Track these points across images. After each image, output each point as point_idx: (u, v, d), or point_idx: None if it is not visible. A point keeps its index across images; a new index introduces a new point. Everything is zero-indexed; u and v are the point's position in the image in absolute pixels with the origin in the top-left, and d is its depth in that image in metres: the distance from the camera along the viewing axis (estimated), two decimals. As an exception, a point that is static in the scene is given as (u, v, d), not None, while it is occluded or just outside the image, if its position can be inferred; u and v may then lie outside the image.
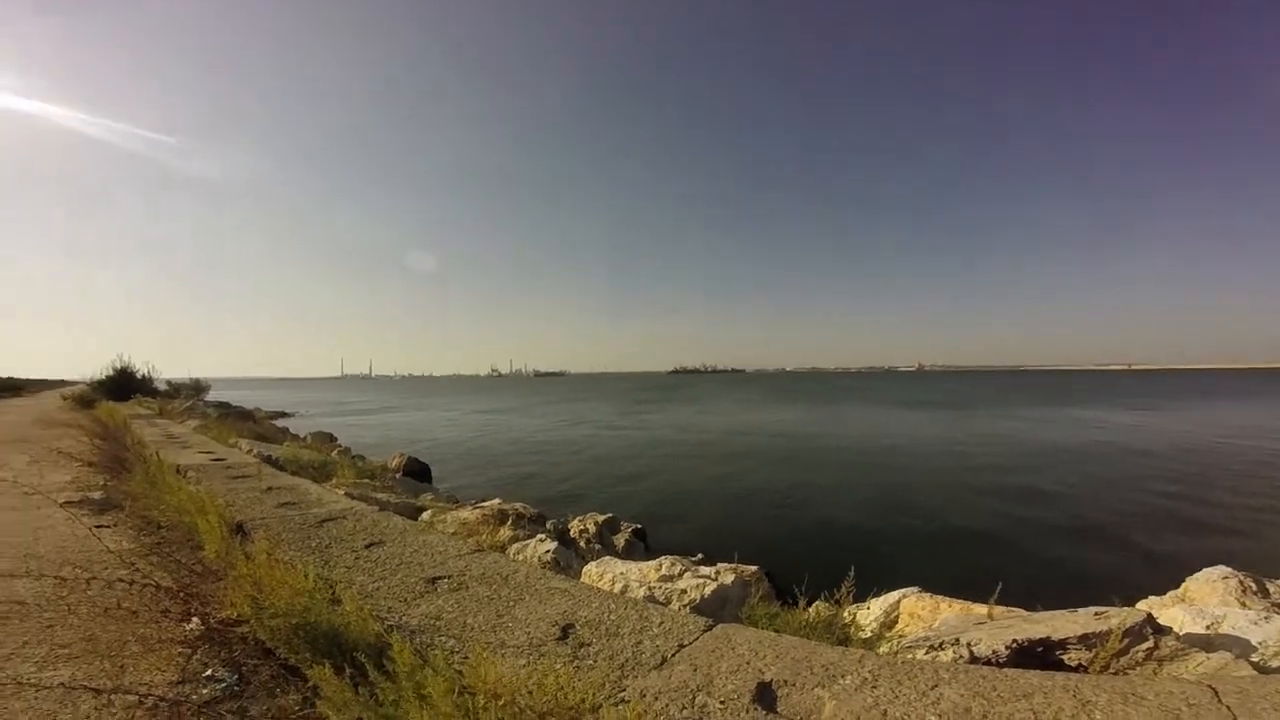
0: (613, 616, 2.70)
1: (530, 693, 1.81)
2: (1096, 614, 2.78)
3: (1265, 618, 3.51)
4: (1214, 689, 1.94)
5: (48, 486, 6.74)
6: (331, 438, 20.32)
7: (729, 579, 4.21)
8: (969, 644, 2.69)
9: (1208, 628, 3.43)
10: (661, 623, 2.63)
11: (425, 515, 6.24)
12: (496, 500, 8.36)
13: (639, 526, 9.13)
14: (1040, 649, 2.68)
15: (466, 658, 2.26)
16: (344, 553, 3.81)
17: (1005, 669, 2.30)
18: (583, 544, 7.47)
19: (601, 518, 8.66)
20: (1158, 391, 64.89)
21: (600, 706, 1.92)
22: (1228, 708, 1.82)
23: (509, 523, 6.08)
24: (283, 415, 38.38)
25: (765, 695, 2.08)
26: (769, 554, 7.96)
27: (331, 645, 2.28)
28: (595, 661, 2.31)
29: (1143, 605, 4.55)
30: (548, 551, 4.86)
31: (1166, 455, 18.72)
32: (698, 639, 2.48)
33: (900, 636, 3.34)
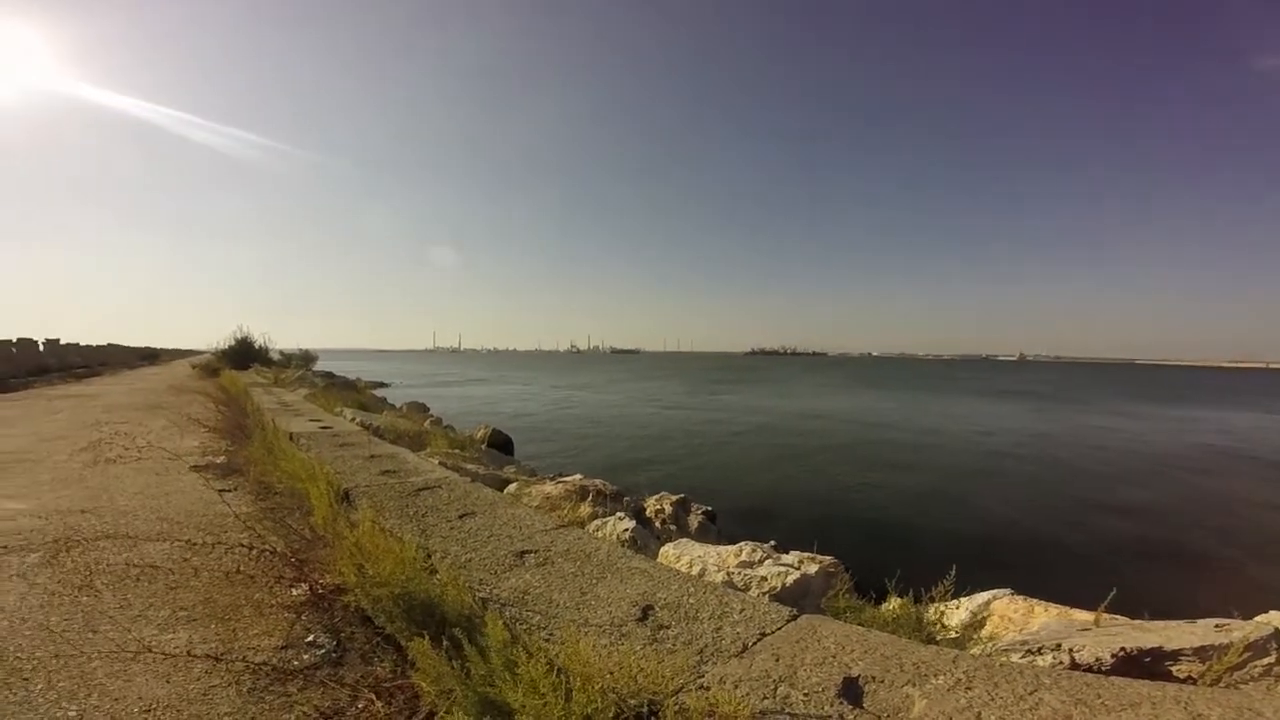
0: (691, 600, 2.72)
1: (613, 674, 1.86)
2: (1217, 626, 2.56)
3: None
4: None
5: (181, 450, 7.52)
6: (424, 408, 21.46)
7: (812, 569, 4.15)
8: (1070, 650, 2.55)
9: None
10: (742, 609, 2.61)
11: (511, 488, 6.48)
12: (578, 476, 8.55)
13: (710, 509, 9.10)
14: (1149, 659, 2.50)
15: (553, 635, 2.35)
16: (439, 522, 3.97)
17: (1110, 677, 2.17)
18: (658, 524, 7.56)
19: (675, 498, 8.70)
20: None
21: (681, 690, 1.95)
22: None
23: (589, 499, 6.22)
24: (381, 385, 40.77)
25: (851, 690, 2.03)
26: (845, 546, 7.79)
27: (427, 616, 2.39)
28: (675, 645, 2.33)
29: (1265, 619, 4.14)
30: (626, 530, 4.93)
31: None
32: (781, 629, 2.45)
33: (992, 639, 3.20)
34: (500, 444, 15.46)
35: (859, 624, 2.79)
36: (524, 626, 2.43)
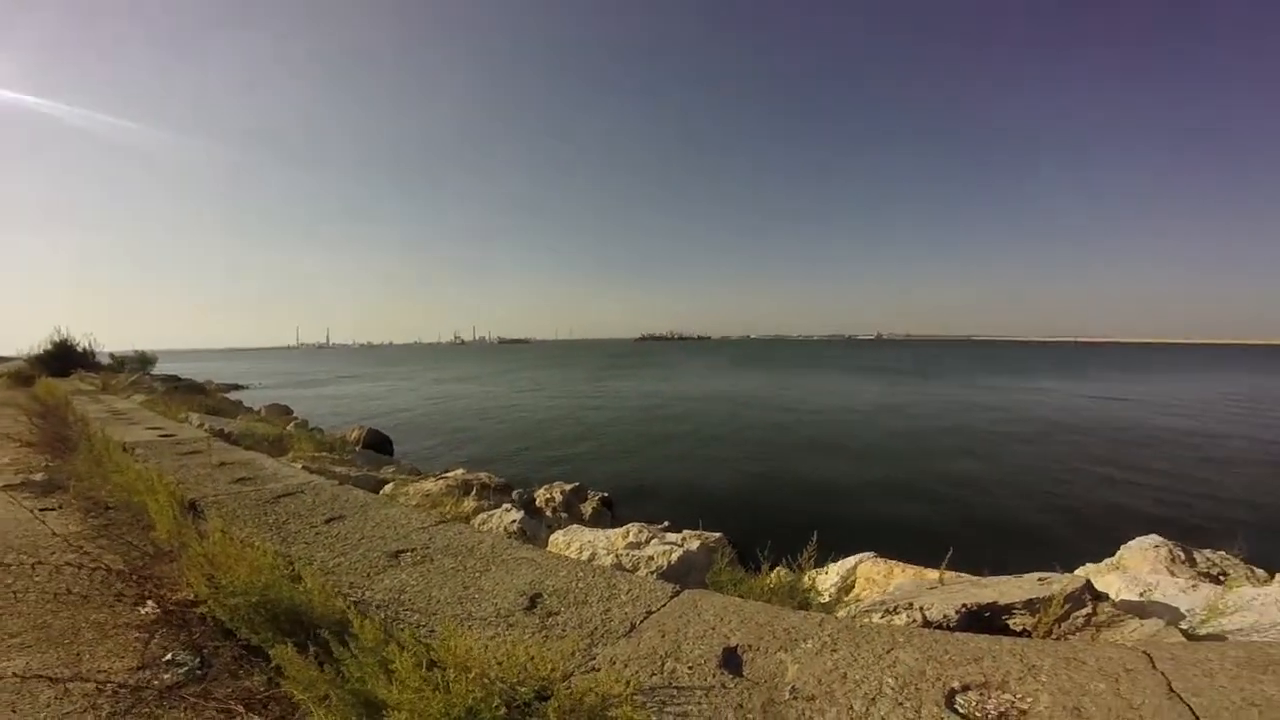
0: (581, 585, 2.74)
1: (500, 664, 1.83)
2: (1040, 579, 2.94)
3: (1193, 586, 3.75)
4: (1149, 655, 2.07)
5: (-14, 469, 6.41)
6: (287, 410, 19.82)
7: (694, 545, 4.31)
8: (922, 608, 2.81)
9: (1141, 595, 3.66)
10: (629, 590, 2.68)
11: (387, 488, 6.18)
12: (460, 471, 8.32)
13: (606, 495, 9.17)
14: (988, 613, 2.82)
15: (434, 631, 2.27)
16: (303, 528, 3.75)
17: (956, 633, 2.42)
18: (549, 513, 7.52)
19: (568, 486, 8.70)
20: (1101, 364, 68.15)
21: (572, 675, 1.95)
22: (1162, 673, 1.94)
23: (473, 493, 6.06)
24: (236, 388, 37.23)
25: (731, 660, 2.14)
26: (732, 520, 8.17)
27: (294, 623, 2.25)
28: (565, 631, 2.34)
29: (1081, 572, 4.82)
30: (513, 521, 4.87)
31: (1102, 427, 19.69)
32: (665, 605, 2.53)
33: (857, 601, 3.47)
34: (377, 444, 14.63)
35: (738, 595, 2.94)
36: (401, 625, 2.33)
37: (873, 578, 4.46)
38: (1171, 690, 1.85)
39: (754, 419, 22.11)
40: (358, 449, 12.04)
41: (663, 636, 2.29)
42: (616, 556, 4.04)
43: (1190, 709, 1.75)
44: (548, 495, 8.07)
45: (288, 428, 12.77)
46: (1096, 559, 5.32)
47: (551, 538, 4.55)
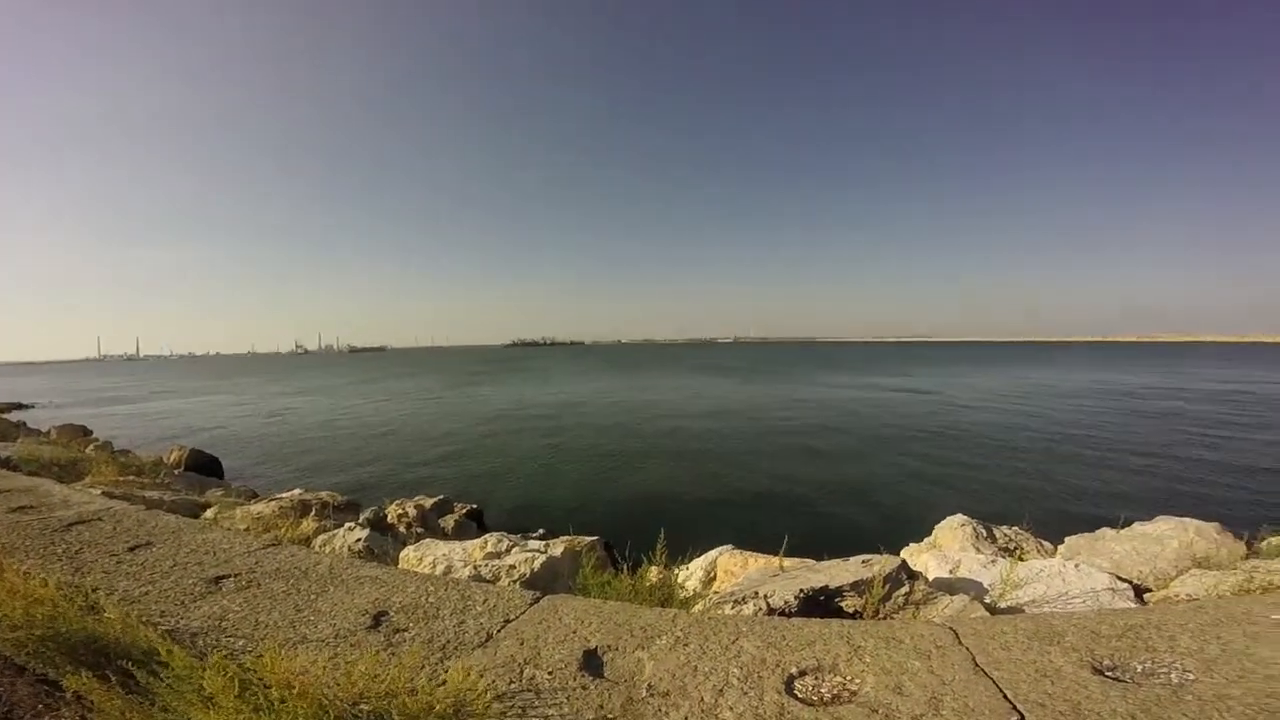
0: (431, 599, 2.62)
1: (337, 683, 1.68)
2: (863, 562, 3.24)
3: (992, 561, 4.28)
4: (955, 631, 2.33)
5: None
6: (85, 431, 17.01)
7: (558, 551, 4.27)
8: (766, 596, 2.99)
9: (950, 571, 4.13)
10: (486, 600, 2.59)
11: (209, 512, 5.52)
12: (297, 491, 7.67)
13: (474, 507, 8.88)
14: (823, 597, 3.06)
15: (261, 655, 2.05)
16: (100, 557, 3.27)
17: (794, 618, 2.59)
18: (403, 529, 7.08)
19: (430, 501, 8.29)
20: (925, 360, 77.53)
21: (419, 690, 1.84)
22: (967, 649, 2.18)
23: (312, 513, 5.58)
24: (17, 407, 31.46)
25: (591, 662, 2.15)
26: (607, 522, 8.23)
27: (96, 655, 1.96)
28: (413, 645, 2.22)
29: (906, 552, 5.36)
30: (358, 540, 4.56)
31: (919, 417, 22.30)
32: (524, 613, 2.48)
33: (715, 593, 3.62)
34: (203, 466, 12.95)
35: (603, 596, 2.95)
36: (221, 651, 2.08)
37: (731, 569, 4.67)
38: (976, 665, 2.06)
39: (620, 421, 22.44)
40: (177, 471, 10.61)
41: (521, 644, 2.24)
42: (475, 568, 3.90)
43: (994, 682, 1.95)
44: (400, 511, 7.63)
45: (86, 450, 10.98)
46: (918, 538, 5.90)
47: (403, 554, 4.30)
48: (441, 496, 8.69)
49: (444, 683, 1.92)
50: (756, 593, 3.10)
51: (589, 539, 5.88)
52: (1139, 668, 2.01)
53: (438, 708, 1.65)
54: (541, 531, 7.61)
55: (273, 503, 5.83)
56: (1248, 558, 4.04)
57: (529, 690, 1.95)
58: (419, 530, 7.00)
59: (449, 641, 2.27)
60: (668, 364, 77.99)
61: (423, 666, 2.02)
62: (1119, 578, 3.85)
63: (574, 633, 2.31)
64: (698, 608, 3.15)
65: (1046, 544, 5.40)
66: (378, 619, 2.44)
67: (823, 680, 2.04)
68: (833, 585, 3.03)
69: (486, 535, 4.40)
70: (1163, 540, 4.25)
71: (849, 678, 2.04)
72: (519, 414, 25.57)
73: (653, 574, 3.79)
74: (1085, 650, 2.12)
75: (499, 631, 2.34)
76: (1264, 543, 4.22)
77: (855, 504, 11.01)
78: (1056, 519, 7.21)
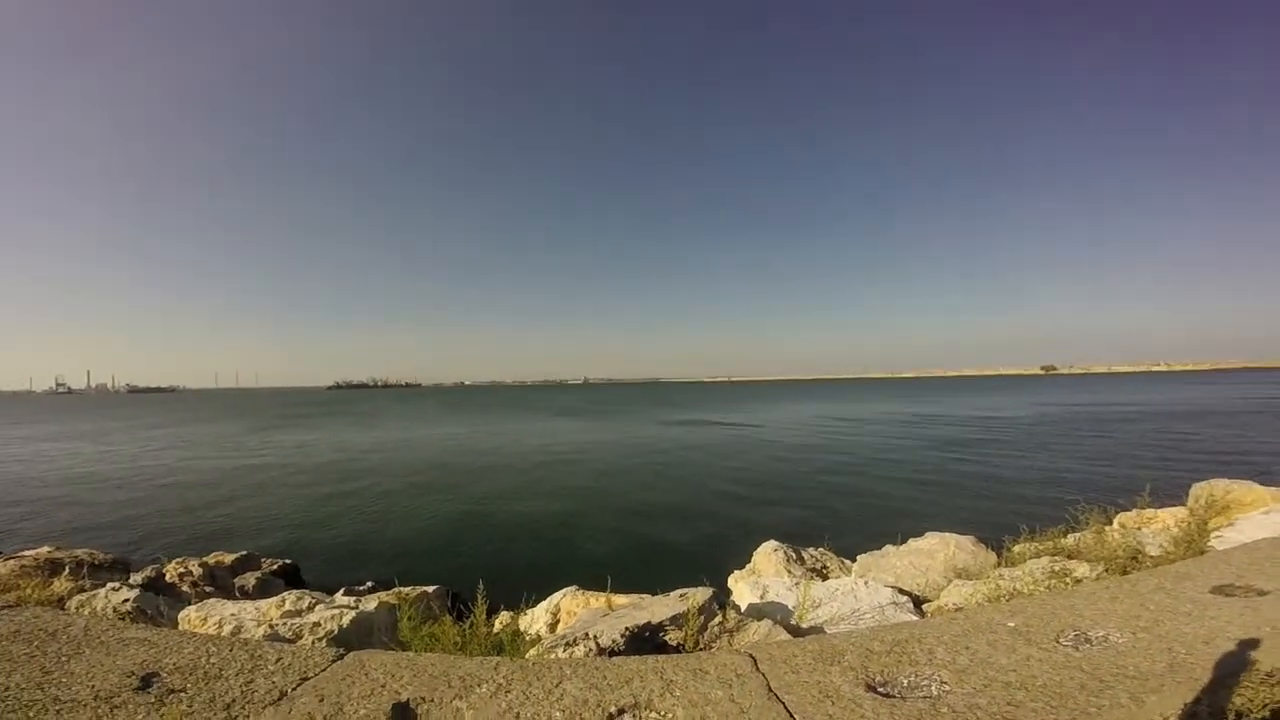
0: (214, 660, 2.34)
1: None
2: (681, 595, 3.41)
3: (797, 583, 4.66)
4: (754, 658, 2.50)
5: None
6: None
7: (371, 605, 3.97)
8: (595, 637, 3.04)
9: (761, 597, 4.44)
10: (280, 659, 2.36)
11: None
12: (47, 548, 6.50)
13: (286, 563, 8.17)
14: (648, 632, 3.16)
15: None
16: None
17: (615, 658, 2.66)
18: (186, 588, 6.18)
19: (231, 557, 7.45)
20: (747, 398, 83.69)
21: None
22: (763, 674, 2.34)
23: (65, 572, 4.73)
24: None
25: (403, 714, 2.05)
26: (453, 571, 7.82)
27: None
28: (191, 706, 1.99)
29: (731, 579, 5.67)
30: (125, 600, 3.97)
31: (739, 448, 24.02)
32: (326, 670, 2.30)
33: (541, 639, 3.58)
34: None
35: (426, 649, 2.79)
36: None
37: (573, 610, 4.63)
38: (770, 690, 2.22)
39: (458, 465, 21.51)
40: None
41: (321, 700, 2.07)
42: (271, 627, 3.52)
43: (785, 706, 2.10)
44: (182, 569, 6.69)
45: None
46: (741, 564, 6.29)
47: (182, 615, 3.76)
48: (244, 552, 7.87)
49: None
50: (587, 634, 3.12)
51: (423, 589, 5.57)
52: (905, 681, 2.28)
53: None
54: (370, 584, 7.07)
55: (12, 561, 4.81)
56: (998, 566, 4.82)
57: (332, 747, 1.80)
58: (207, 590, 6.17)
59: (234, 701, 2.05)
60: (505, 404, 77.20)
61: None
62: (901, 590, 4.40)
63: (383, 687, 2.18)
64: (532, 653, 3.10)
65: (847, 561, 6.00)
66: (147, 680, 2.14)
67: (639, 717, 2.11)
68: (655, 621, 3.15)
69: (286, 593, 3.98)
70: (932, 554, 4.94)
71: (662, 712, 2.12)
72: (342, 461, 23.20)
73: (500, 621, 3.67)
74: (860, 668, 2.38)
75: (294, 689, 2.15)
76: (1010, 550, 5.07)
77: (688, 534, 11.51)
78: (853, 538, 8.06)
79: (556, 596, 5.05)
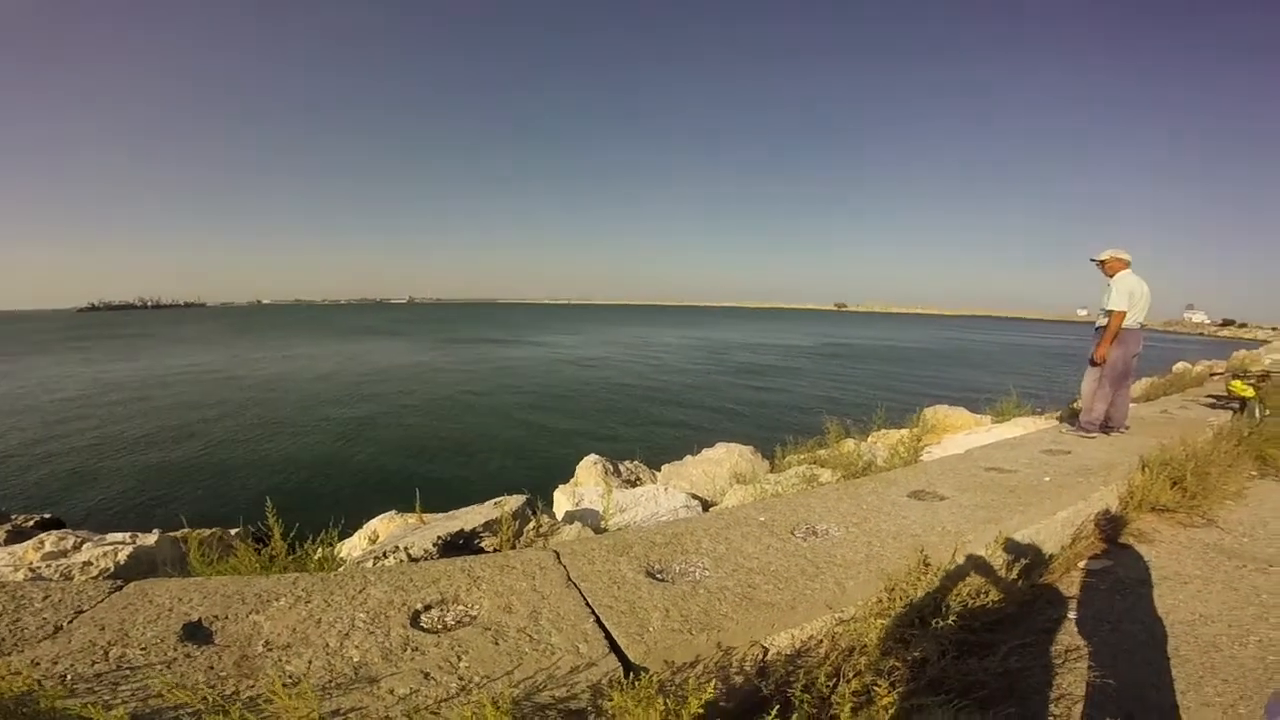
0: None
1: None
2: (495, 503, 3.67)
3: (608, 491, 5.16)
4: (557, 553, 2.81)
5: None
6: None
7: (150, 540, 3.74)
8: (405, 548, 3.18)
9: (577, 505, 4.87)
10: (48, 597, 2.22)
11: None
12: None
13: (46, 516, 7.33)
14: (461, 540, 3.37)
15: None
16: None
17: (422, 562, 2.83)
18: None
19: None
20: (598, 319, 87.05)
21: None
22: (564, 567, 2.66)
23: None
24: None
25: (197, 632, 2.06)
26: (255, 510, 7.33)
27: None
28: None
29: (556, 494, 6.07)
30: None
31: (573, 369, 24.75)
32: (104, 600, 2.21)
33: (355, 555, 3.64)
34: None
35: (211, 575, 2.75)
36: None
37: (390, 531, 4.67)
38: (569, 579, 2.54)
39: (250, 398, 19.60)
40: None
41: (102, 629, 2.02)
42: (31, 570, 3.19)
43: (580, 592, 2.43)
44: None
45: None
46: (565, 479, 6.74)
47: None
48: None
49: (15, 672, 1.66)
50: (397, 547, 3.24)
51: (218, 530, 5.23)
52: (677, 568, 2.72)
53: (3, 694, 1.45)
54: (156, 531, 6.46)
55: None
56: (770, 472, 5.71)
57: (120, 668, 1.82)
58: None
59: (3, 640, 1.94)
60: (311, 325, 70.81)
61: None
62: (694, 496, 5.08)
63: (170, 610, 2.16)
64: (342, 570, 3.15)
65: (655, 472, 6.72)
66: None
67: (447, 610, 2.31)
68: (468, 528, 3.36)
69: (42, 535, 3.58)
70: (720, 463, 5.73)
71: (469, 605, 2.34)
72: (100, 399, 19.91)
73: (317, 552, 3.61)
74: (644, 558, 2.80)
75: (70, 623, 2.06)
76: (780, 459, 6.02)
77: (516, 455, 11.85)
78: (663, 449, 8.98)
79: (374, 522, 5.06)
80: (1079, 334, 73.61)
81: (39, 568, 3.15)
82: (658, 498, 4.85)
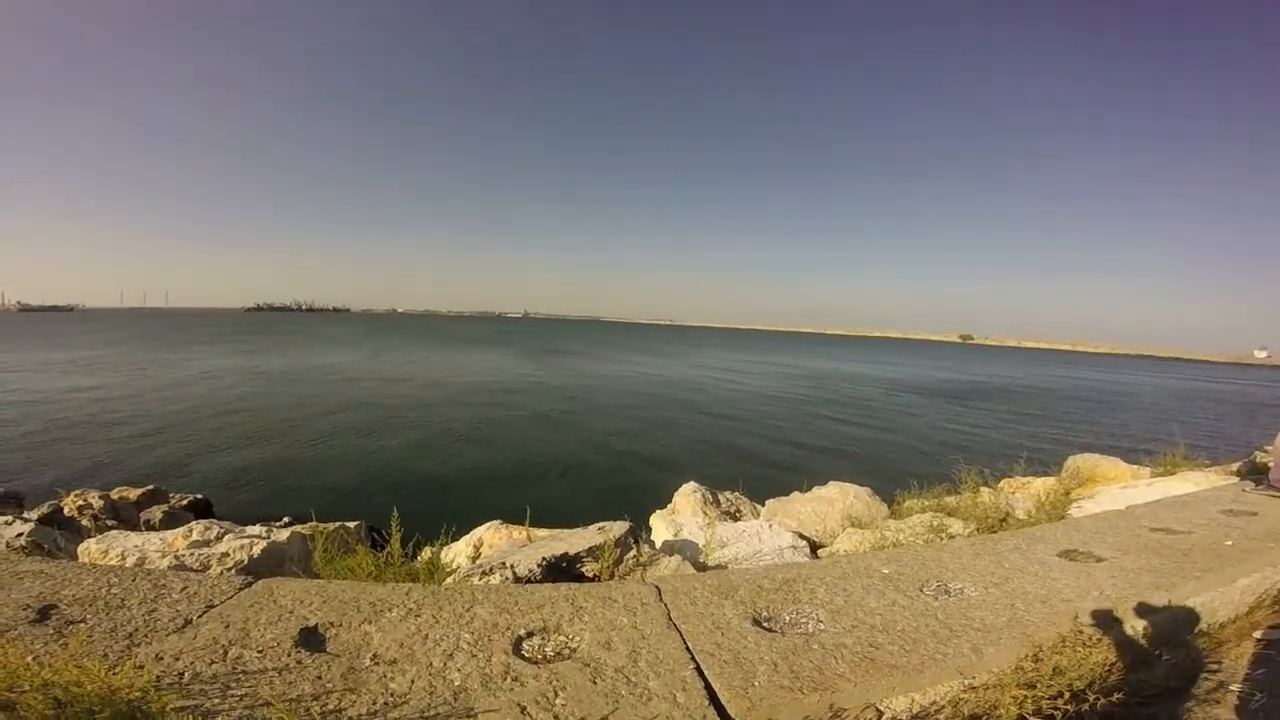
0: (116, 590, 2.35)
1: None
2: (599, 529, 3.59)
3: (709, 524, 4.96)
4: (659, 589, 2.69)
5: None
6: None
7: (283, 536, 4.00)
8: (511, 566, 3.17)
9: (675, 535, 4.71)
10: (185, 588, 2.40)
11: None
12: None
13: (198, 497, 8.17)
14: (564, 563, 3.32)
15: None
16: None
17: (529, 584, 2.79)
18: (86, 522, 6.01)
19: (136, 492, 7.29)
20: (699, 342, 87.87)
21: (92, 675, 1.67)
22: (665, 605, 2.53)
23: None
24: None
25: (311, 638, 2.11)
26: (376, 507, 7.88)
27: None
28: (91, 636, 2.00)
29: (652, 519, 5.95)
30: (19, 535, 3.90)
31: (662, 391, 24.61)
32: (233, 597, 2.35)
33: (460, 567, 3.69)
34: None
35: (340, 577, 2.85)
36: None
37: (495, 543, 4.75)
38: (670, 619, 2.40)
39: (388, 397, 21.08)
40: None
41: (226, 627, 2.13)
42: (176, 558, 3.49)
43: (681, 634, 2.29)
44: (81, 502, 6.46)
45: None
46: (663, 505, 6.58)
47: (81, 547, 3.69)
48: (152, 487, 7.69)
49: (140, 667, 1.77)
50: (504, 563, 3.25)
51: (341, 524, 5.57)
52: (787, 618, 2.50)
53: (122, 691, 1.52)
54: (287, 519, 7.01)
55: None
56: (888, 518, 5.26)
57: (235, 671, 1.88)
58: (110, 523, 6.01)
59: (138, 629, 2.07)
60: (437, 334, 76.91)
61: (105, 654, 1.84)
62: (801, 535, 4.75)
63: (290, 613, 2.24)
64: (448, 581, 3.19)
65: (758, 505, 6.40)
66: (44, 613, 2.13)
67: (548, 640, 2.25)
68: (572, 552, 3.31)
69: (191, 524, 3.95)
70: (831, 502, 5.35)
71: (570, 637, 2.27)
72: (253, 389, 22.07)
73: (421, 555, 3.73)
74: (750, 603, 2.60)
75: (200, 617, 2.19)
76: (900, 504, 5.54)
77: (615, 475, 11.88)
78: (765, 483, 8.57)
79: (479, 530, 5.15)
80: (1256, 379, 64.15)
81: (183, 556, 3.45)
82: (761, 534, 4.59)
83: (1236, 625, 2.88)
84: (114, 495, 7.10)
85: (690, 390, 27.02)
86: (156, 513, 6.91)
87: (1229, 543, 3.61)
